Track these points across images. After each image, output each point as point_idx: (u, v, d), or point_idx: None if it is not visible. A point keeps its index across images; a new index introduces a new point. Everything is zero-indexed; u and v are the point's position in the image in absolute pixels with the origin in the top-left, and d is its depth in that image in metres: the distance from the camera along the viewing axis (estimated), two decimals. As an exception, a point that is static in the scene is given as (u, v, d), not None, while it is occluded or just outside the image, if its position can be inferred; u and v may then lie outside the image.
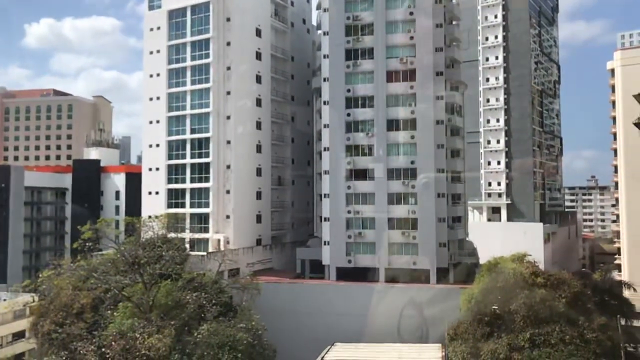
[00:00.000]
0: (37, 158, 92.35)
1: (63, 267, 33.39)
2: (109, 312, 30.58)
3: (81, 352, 27.48)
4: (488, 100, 69.84)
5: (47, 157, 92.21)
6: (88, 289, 32.66)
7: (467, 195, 51.15)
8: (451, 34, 46.33)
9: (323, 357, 28.13)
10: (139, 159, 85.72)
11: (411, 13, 43.41)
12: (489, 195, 69.13)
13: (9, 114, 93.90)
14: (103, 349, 26.63)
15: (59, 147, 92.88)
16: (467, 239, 46.35)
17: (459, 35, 48.88)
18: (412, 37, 43.25)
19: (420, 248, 41.67)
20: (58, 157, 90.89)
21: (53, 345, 30.14)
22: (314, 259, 45.11)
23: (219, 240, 45.31)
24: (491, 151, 69.01)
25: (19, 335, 38.78)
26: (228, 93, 47.24)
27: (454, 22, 48.02)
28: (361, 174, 43.60)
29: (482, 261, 39.60)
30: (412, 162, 42.34)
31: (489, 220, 68.22)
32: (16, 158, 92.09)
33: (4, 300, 40.78)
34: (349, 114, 43.74)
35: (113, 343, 26.41)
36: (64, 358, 28.59)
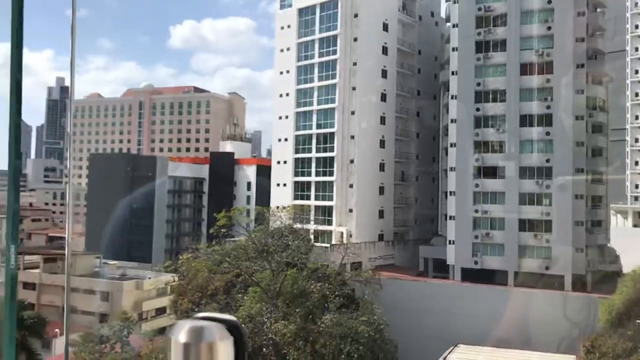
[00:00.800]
0: (178, 150, 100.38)
1: (200, 251, 36.04)
2: (239, 295, 32.51)
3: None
4: (637, 95, 63.44)
5: (188, 149, 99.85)
6: (221, 272, 34.98)
7: (610, 198, 46.99)
8: (595, 22, 42.67)
9: (445, 357, 27.50)
10: (269, 152, 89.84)
11: (549, 1, 40.66)
12: (636, 198, 62.89)
13: (155, 109, 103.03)
14: (234, 330, 28.32)
15: (197, 140, 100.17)
16: (608, 245, 42.61)
17: (604, 23, 44.86)
18: (549, 28, 40.51)
19: (553, 252, 39.08)
20: (197, 150, 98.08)
21: (190, 322, 32.68)
22: (438, 258, 44.21)
23: (341, 233, 46.12)
24: (639, 150, 62.70)
25: (161, 311, 42.63)
26: (353, 88, 47.73)
27: (598, 10, 44.22)
28: (490, 172, 41.84)
29: (625, 270, 36.23)
30: (547, 161, 39.74)
31: (634, 226, 62.07)
32: (161, 149, 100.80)
33: (149, 278, 45.00)
34: (478, 109, 42.12)
35: (243, 325, 28.01)
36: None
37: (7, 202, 3.18)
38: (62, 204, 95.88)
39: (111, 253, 54.53)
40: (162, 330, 35.37)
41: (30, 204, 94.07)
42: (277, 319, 28.12)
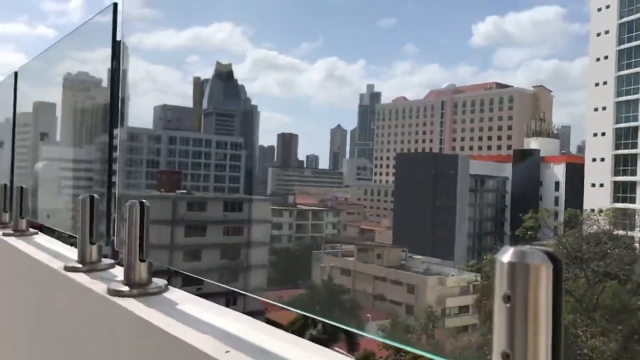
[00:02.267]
0: (479, 148, 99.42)
1: (504, 252, 34.76)
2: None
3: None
4: None
5: (489, 147, 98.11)
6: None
7: None
8: None
9: None
10: (579, 148, 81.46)
11: None
12: None
13: (457, 108, 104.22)
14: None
15: (499, 138, 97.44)
16: None
17: None
18: None
19: None
20: (499, 147, 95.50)
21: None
22: None
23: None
24: None
25: (464, 309, 42.80)
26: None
27: None
28: None
29: None
30: None
31: None
32: (462, 148, 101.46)
33: (452, 275, 45.64)
34: None
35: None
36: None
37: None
38: (371, 200, 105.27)
39: (415, 247, 57.28)
40: (464, 329, 35.43)
41: (346, 199, 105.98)
42: (594, 334, 25.20)
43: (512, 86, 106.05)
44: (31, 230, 2.47)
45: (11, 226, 2.52)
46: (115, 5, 1.58)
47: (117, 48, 1.60)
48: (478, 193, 71.79)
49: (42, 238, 2.33)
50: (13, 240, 2.23)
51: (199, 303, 1.21)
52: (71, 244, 2.26)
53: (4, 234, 2.39)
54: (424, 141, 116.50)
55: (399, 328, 31.51)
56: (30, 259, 1.87)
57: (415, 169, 71.31)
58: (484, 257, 36.88)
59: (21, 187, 2.49)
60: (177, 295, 1.29)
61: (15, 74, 2.79)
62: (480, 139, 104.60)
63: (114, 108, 1.63)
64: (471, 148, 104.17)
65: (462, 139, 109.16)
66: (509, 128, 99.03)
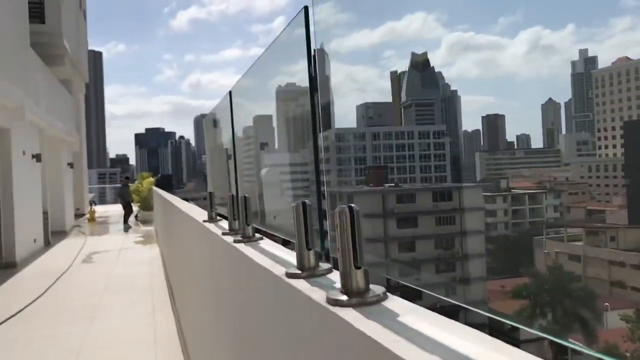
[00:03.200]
0: None
1: None
2: None
3: None
4: None
5: None
6: None
7: None
8: None
9: None
10: None
11: None
12: None
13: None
14: None
15: None
16: None
17: None
18: None
19: None
20: None
21: None
22: None
23: None
24: None
25: None
26: None
27: None
28: None
29: None
30: None
31: None
32: None
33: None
34: None
35: None
36: None
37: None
38: (597, 177, 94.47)
39: (658, 227, 49.67)
40: None
41: (567, 179, 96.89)
42: None
43: None
44: (257, 235, 2.63)
45: (240, 232, 2.73)
46: (306, 8, 1.56)
47: (311, 54, 1.60)
48: None
49: (266, 243, 2.47)
50: (242, 247, 2.40)
51: (422, 315, 1.09)
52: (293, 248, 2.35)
53: (235, 241, 2.58)
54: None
55: (644, 319, 27.68)
56: (255, 264, 1.97)
57: (650, 137, 61.76)
58: None
59: (245, 196, 2.68)
60: (397, 304, 1.20)
61: (230, 93, 3.04)
62: None
63: (315, 112, 1.64)
64: None
65: None
66: None
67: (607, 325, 32.11)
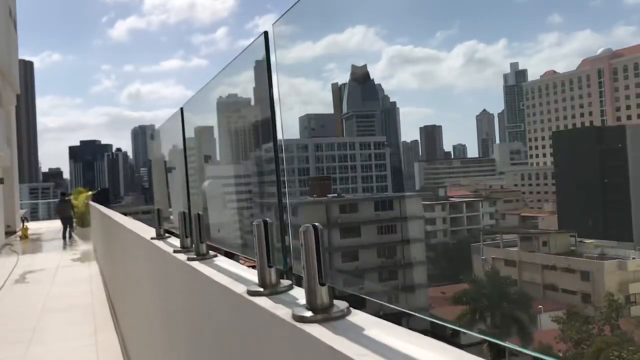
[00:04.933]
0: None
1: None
2: None
3: None
4: None
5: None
6: None
7: None
8: None
9: None
10: None
11: None
12: None
13: (617, 75, 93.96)
14: None
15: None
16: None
17: None
18: None
19: None
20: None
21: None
22: None
23: None
24: None
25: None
26: None
27: None
28: None
29: None
30: None
31: None
32: (629, 117, 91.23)
33: (633, 258, 41.03)
34: None
35: None
36: None
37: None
38: (530, 185, 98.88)
39: (585, 231, 52.48)
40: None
41: (501, 187, 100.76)
42: None
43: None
44: (211, 253, 2.63)
45: (193, 250, 2.72)
46: (266, 34, 1.62)
47: (271, 75, 1.67)
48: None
49: (221, 260, 2.47)
50: (197, 265, 2.39)
51: (386, 328, 1.15)
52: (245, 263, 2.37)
53: (189, 259, 2.57)
54: (582, 115, 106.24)
55: (577, 319, 29.08)
56: (213, 283, 1.98)
57: (576, 147, 65.15)
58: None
59: (198, 214, 2.68)
60: (360, 318, 1.26)
61: (181, 109, 3.03)
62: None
63: (274, 126, 1.70)
64: (639, 116, 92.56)
65: (628, 107, 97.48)
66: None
67: (540, 327, 33.56)
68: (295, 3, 1.42)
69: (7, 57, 21.89)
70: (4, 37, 21.45)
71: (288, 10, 1.47)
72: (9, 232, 21.32)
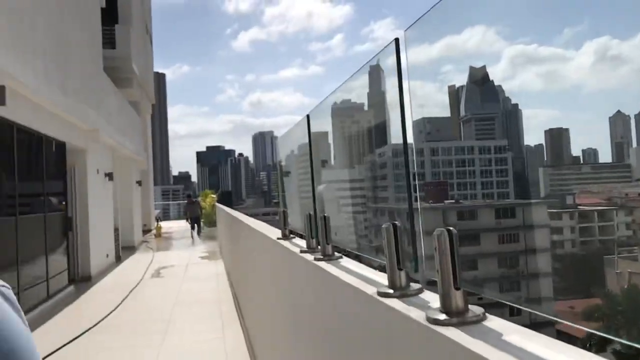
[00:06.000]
0: None
1: None
2: None
3: None
4: None
5: None
6: None
7: None
8: None
9: None
10: None
11: None
12: None
13: None
14: None
15: None
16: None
17: None
18: None
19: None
20: None
21: None
22: None
23: None
24: None
25: None
26: None
27: None
28: None
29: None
30: None
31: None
32: None
33: None
34: None
35: None
36: None
37: None
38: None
39: None
40: None
41: (639, 194, 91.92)
42: None
43: None
44: (336, 254, 2.70)
45: (319, 251, 2.81)
46: (397, 40, 1.65)
47: (401, 81, 1.69)
48: None
49: (347, 262, 2.53)
50: (324, 264, 2.46)
51: (527, 334, 1.13)
52: (370, 265, 2.41)
53: (316, 259, 2.66)
54: None
55: None
56: (342, 283, 2.03)
57: None
58: None
59: (324, 216, 2.77)
60: (498, 324, 1.23)
61: (307, 116, 3.15)
62: None
63: (404, 130, 1.71)
64: None
65: None
66: None
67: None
68: (430, 9, 1.43)
69: (145, 70, 24.04)
70: (142, 52, 23.59)
71: (421, 17, 1.48)
72: (145, 231, 23.34)
